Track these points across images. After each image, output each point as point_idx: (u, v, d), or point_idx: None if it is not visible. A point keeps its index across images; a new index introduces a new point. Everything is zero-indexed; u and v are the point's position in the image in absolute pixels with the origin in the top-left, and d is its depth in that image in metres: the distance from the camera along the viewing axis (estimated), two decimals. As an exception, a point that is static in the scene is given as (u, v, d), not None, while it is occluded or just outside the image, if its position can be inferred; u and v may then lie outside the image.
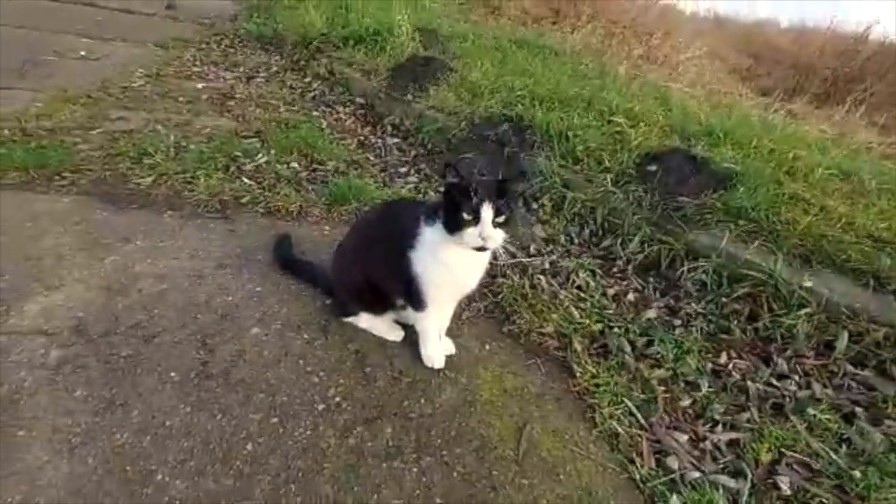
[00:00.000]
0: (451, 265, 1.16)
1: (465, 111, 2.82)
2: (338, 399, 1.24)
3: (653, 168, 2.18)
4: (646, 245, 1.95)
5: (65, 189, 2.00)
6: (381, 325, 1.44)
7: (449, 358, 1.40)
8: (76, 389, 1.18)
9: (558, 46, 4.19)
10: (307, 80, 3.71)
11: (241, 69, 3.83)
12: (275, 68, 3.93)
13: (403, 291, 1.27)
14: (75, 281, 1.51)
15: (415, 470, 1.10)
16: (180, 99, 3.08)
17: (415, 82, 3.27)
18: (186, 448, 1.07)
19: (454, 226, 1.07)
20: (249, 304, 1.50)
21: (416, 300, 1.25)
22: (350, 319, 1.45)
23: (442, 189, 1.13)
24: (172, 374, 1.24)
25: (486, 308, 1.65)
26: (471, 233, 1.06)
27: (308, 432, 1.14)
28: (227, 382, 1.24)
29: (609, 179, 2.16)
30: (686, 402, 1.40)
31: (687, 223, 1.94)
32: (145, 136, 2.44)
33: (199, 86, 3.37)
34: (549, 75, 3.29)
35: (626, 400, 1.35)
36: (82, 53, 3.62)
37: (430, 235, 1.15)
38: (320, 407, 1.21)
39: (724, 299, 1.73)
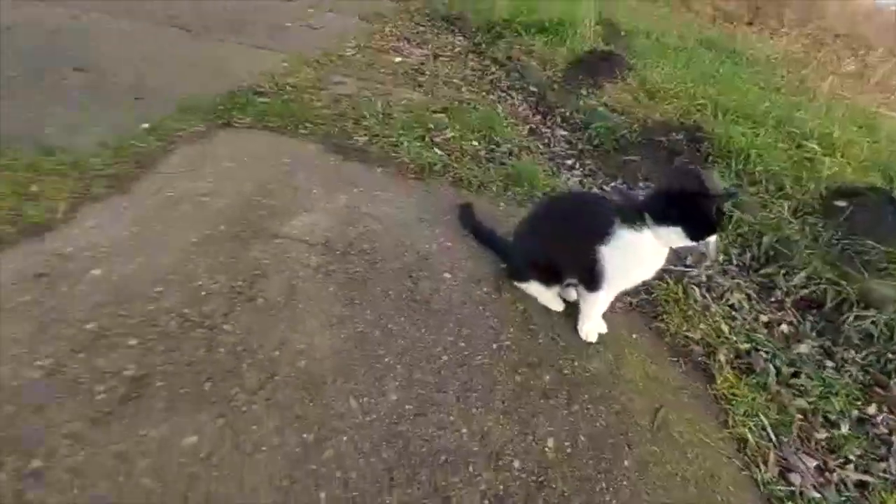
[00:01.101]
0: (644, 262, 1.41)
1: (638, 113, 2.89)
2: (508, 343, 1.57)
3: (842, 204, 2.09)
4: (812, 282, 1.93)
5: (307, 137, 2.60)
6: (546, 295, 1.72)
7: (600, 336, 1.63)
8: (329, 287, 1.67)
9: (751, 52, 3.91)
10: (486, 63, 4.03)
11: (429, 46, 4.28)
12: (458, 49, 4.31)
13: (584, 276, 1.52)
14: (321, 210, 2.05)
15: (565, 412, 1.39)
16: (382, 70, 3.61)
17: (590, 77, 3.39)
18: (402, 346, 1.49)
19: (702, 235, 1.31)
20: (442, 253, 1.89)
21: (594, 284, 1.49)
22: (521, 285, 1.75)
23: (681, 204, 1.32)
24: (390, 292, 1.68)
25: (638, 303, 1.84)
26: (713, 239, 1.32)
27: (486, 361, 1.49)
28: (428, 309, 1.64)
29: (787, 207, 2.13)
30: (822, 435, 1.46)
31: (867, 269, 1.86)
32: (360, 102, 2.98)
33: (397, 59, 3.89)
34: (737, 84, 3.16)
35: (761, 415, 1.46)
36: (311, 23, 4.38)
37: (630, 237, 1.37)
38: (494, 346, 1.55)
39: (890, 355, 1.68)
